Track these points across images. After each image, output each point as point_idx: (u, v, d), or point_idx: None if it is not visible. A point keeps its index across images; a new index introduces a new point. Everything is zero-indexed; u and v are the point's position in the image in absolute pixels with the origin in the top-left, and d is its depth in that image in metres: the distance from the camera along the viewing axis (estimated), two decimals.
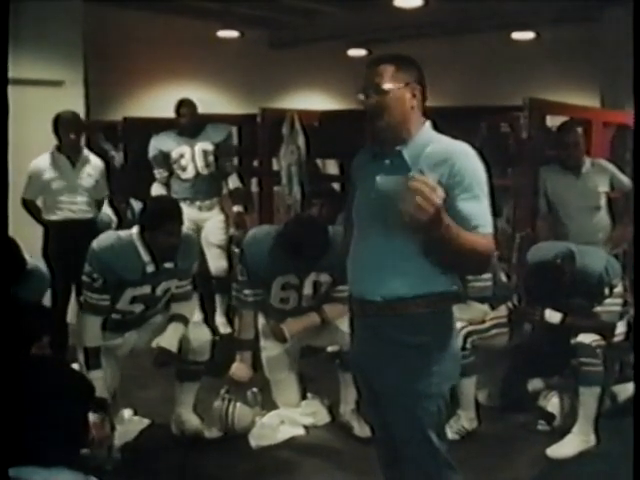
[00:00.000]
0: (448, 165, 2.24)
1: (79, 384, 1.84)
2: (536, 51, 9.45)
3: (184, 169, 5.51)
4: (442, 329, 2.37)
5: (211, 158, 5.53)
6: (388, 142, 2.36)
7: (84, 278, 3.63)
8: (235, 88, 9.05)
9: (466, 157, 2.28)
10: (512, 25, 9.26)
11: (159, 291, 3.76)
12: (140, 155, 6.72)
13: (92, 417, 3.08)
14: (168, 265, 3.70)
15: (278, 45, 10.10)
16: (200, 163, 5.51)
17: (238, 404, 3.85)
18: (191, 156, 5.50)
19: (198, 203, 5.54)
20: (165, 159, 5.55)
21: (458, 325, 3.00)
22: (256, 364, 4.08)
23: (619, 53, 8.31)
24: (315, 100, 10.35)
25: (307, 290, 3.92)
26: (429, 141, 2.33)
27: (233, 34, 9.21)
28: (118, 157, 6.67)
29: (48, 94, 5.87)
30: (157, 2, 8.23)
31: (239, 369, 3.94)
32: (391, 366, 2.36)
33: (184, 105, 5.52)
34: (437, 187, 2.04)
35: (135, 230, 3.68)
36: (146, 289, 3.71)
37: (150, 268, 3.65)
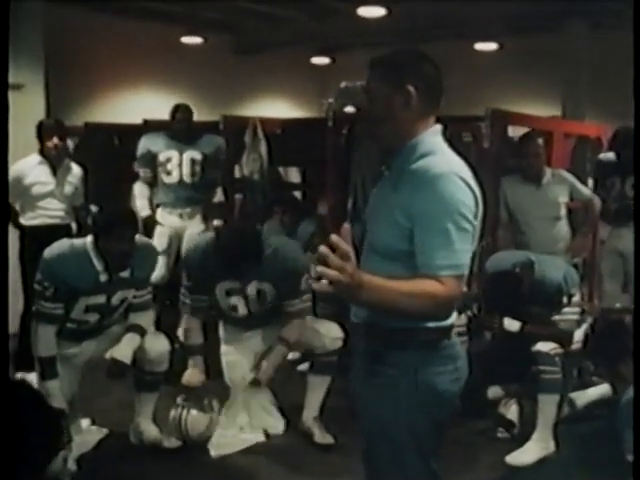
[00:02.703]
0: (418, 188, 1.94)
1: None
2: (498, 62, 9.56)
3: (169, 173, 5.42)
4: (417, 364, 2.05)
5: (198, 168, 5.43)
6: (387, 149, 2.10)
7: (35, 286, 3.57)
8: (198, 94, 8.99)
9: (440, 180, 1.92)
10: (475, 36, 9.37)
11: (115, 300, 3.70)
12: (101, 161, 6.67)
13: None
14: (124, 274, 3.64)
15: (241, 51, 10.09)
16: (186, 170, 5.42)
17: (192, 411, 3.82)
18: (178, 162, 5.41)
19: (179, 211, 5.46)
20: (152, 160, 5.45)
21: None
22: (210, 370, 4.05)
23: (580, 65, 8.47)
24: (278, 107, 10.35)
25: (252, 296, 3.92)
26: (424, 153, 2.00)
27: (197, 40, 9.18)
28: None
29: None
30: (120, 6, 8.17)
31: (190, 375, 3.93)
32: (365, 390, 2.17)
33: (180, 110, 5.42)
34: (349, 252, 1.75)
35: (89, 238, 3.62)
36: (100, 298, 3.65)
37: (103, 277, 3.59)
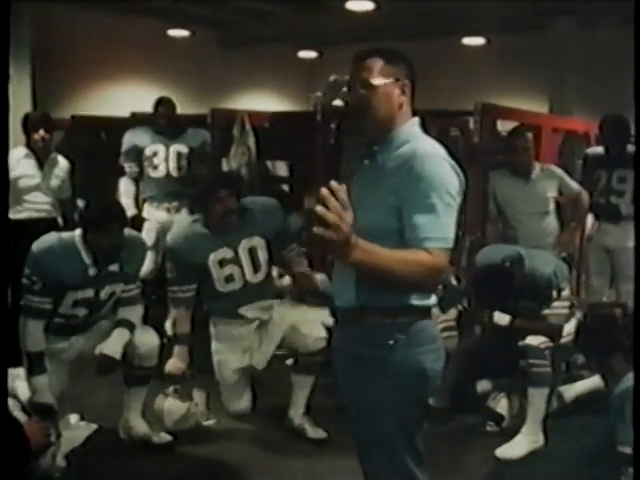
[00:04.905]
0: (406, 169, 2.07)
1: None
2: (486, 57, 9.58)
3: (155, 167, 5.40)
4: (403, 343, 2.14)
5: (184, 162, 5.42)
6: (371, 140, 2.22)
7: (24, 281, 3.52)
8: (185, 87, 8.97)
9: (426, 160, 2.07)
10: (463, 31, 9.39)
11: (103, 295, 3.67)
12: (88, 154, 6.63)
13: (33, 425, 3.03)
14: (113, 268, 3.61)
15: (228, 45, 10.06)
16: (172, 164, 5.40)
17: (169, 398, 3.84)
18: (165, 156, 5.39)
19: (166, 205, 5.44)
20: (138, 154, 5.43)
21: None
22: (191, 359, 4.03)
23: (566, 61, 8.50)
24: (265, 101, 10.34)
25: (245, 260, 3.92)
26: (405, 141, 2.15)
27: (183, 33, 9.16)
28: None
29: None
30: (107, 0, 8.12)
31: (172, 364, 3.91)
32: (349, 374, 2.25)
33: (162, 104, 5.39)
34: (347, 202, 1.84)
35: (78, 232, 3.58)
36: (89, 293, 3.61)
37: (92, 271, 3.55)
